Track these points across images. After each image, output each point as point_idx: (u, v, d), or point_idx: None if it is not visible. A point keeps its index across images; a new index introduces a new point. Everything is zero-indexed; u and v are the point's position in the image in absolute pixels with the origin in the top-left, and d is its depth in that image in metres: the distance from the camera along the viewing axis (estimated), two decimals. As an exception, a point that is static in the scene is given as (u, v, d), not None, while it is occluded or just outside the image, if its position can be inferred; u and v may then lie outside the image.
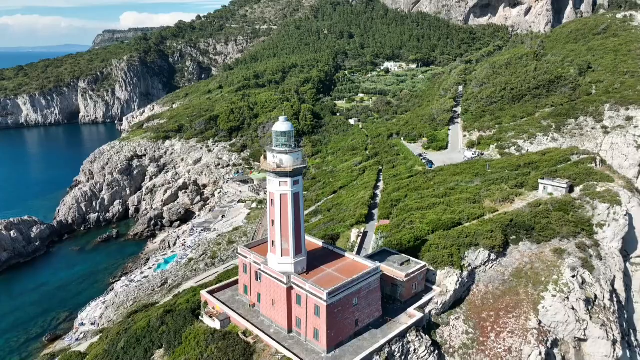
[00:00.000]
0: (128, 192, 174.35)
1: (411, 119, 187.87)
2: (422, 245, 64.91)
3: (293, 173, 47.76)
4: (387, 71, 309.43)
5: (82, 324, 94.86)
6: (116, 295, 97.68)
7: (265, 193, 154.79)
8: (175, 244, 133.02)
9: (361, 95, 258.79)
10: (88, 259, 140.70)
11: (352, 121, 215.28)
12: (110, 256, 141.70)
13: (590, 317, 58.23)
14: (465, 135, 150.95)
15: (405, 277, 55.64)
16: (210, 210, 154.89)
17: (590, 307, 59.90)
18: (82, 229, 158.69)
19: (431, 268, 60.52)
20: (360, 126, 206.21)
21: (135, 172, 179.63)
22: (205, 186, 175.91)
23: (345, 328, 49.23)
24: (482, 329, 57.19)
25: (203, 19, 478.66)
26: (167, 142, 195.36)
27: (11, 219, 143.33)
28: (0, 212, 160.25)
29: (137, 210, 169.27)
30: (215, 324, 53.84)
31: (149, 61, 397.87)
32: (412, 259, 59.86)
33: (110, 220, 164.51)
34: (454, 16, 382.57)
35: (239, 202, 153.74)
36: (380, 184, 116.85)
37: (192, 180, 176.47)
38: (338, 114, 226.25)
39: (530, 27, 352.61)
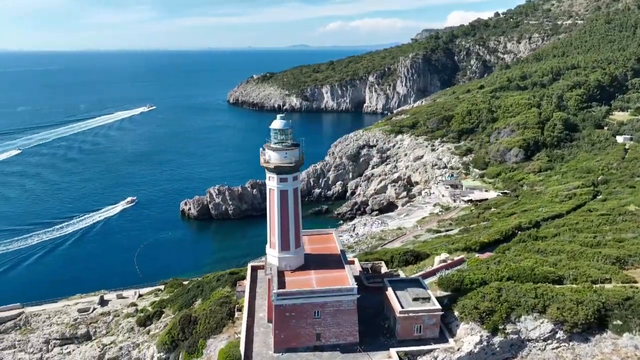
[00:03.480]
0: (350, 176, 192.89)
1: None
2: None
3: (277, 170, 48.76)
4: None
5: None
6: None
7: (462, 201, 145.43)
8: (355, 229, 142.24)
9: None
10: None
11: (620, 138, 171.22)
12: (311, 226, 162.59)
13: None
14: None
15: (400, 313, 48.00)
16: (405, 207, 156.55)
17: None
18: (305, 199, 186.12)
19: (458, 317, 49.48)
20: (627, 145, 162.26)
21: (361, 160, 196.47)
22: (416, 183, 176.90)
23: (300, 337, 47.64)
24: (485, 414, 43.91)
25: (502, 15, 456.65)
26: (398, 137, 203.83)
27: (258, 180, 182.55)
28: (259, 175, 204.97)
29: (352, 193, 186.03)
30: (235, 294, 60.49)
31: (434, 59, 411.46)
32: (433, 298, 50.43)
33: (329, 197, 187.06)
34: None
35: (434, 205, 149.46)
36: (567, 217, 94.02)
37: (407, 175, 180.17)
38: (605, 128, 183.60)
39: None
